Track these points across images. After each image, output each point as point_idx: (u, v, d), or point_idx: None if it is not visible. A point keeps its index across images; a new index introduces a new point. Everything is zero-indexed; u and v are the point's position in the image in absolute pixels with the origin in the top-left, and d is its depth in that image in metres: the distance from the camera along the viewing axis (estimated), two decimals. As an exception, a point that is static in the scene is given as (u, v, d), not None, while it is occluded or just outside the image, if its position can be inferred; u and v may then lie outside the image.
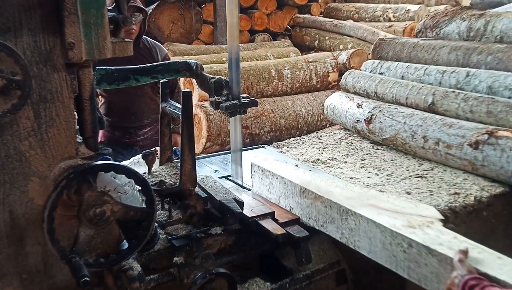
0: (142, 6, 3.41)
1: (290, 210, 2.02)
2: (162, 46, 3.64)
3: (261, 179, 2.19)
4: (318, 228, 1.88)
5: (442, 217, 1.73)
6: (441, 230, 1.58)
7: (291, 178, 2.02)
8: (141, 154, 2.08)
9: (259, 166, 2.19)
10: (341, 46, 6.79)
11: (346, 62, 5.80)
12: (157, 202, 1.54)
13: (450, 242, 1.47)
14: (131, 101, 3.35)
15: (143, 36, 3.44)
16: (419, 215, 1.70)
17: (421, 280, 1.50)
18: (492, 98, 2.49)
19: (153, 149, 2.20)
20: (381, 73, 3.38)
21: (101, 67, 2.00)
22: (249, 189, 2.26)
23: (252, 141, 4.89)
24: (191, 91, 1.87)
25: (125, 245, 1.44)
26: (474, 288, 1.09)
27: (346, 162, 2.67)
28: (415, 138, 2.62)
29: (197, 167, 1.86)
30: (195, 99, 4.58)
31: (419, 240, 1.49)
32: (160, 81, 2.12)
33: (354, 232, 1.71)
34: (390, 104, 3.02)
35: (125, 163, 2.03)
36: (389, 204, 1.79)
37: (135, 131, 3.44)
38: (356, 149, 2.92)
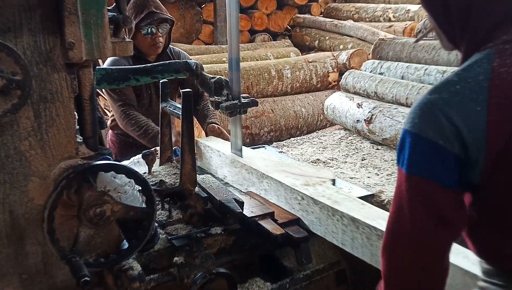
0: (169, 16, 2.96)
1: (223, 178, 2.36)
2: (186, 53, 3.21)
3: (203, 154, 2.55)
4: (243, 191, 2.18)
5: (334, 178, 2.11)
6: (328, 187, 1.95)
7: (224, 152, 2.36)
8: (141, 154, 2.08)
9: (201, 142, 2.56)
10: (341, 46, 6.79)
11: (346, 62, 5.80)
12: (157, 202, 1.54)
13: (331, 195, 1.85)
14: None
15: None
16: (317, 177, 2.06)
17: (310, 225, 1.86)
18: (492, 98, 2.49)
19: (153, 149, 2.20)
20: (381, 73, 3.38)
21: (102, 67, 2.00)
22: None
23: (252, 141, 4.89)
24: (191, 91, 1.87)
25: (125, 245, 1.44)
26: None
27: (346, 162, 2.68)
28: (415, 138, 2.62)
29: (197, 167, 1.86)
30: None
31: (309, 193, 1.85)
32: (160, 81, 2.12)
33: (268, 192, 2.08)
34: (390, 104, 3.02)
35: (125, 163, 2.03)
36: (298, 170, 2.15)
37: None
38: (356, 149, 2.92)
